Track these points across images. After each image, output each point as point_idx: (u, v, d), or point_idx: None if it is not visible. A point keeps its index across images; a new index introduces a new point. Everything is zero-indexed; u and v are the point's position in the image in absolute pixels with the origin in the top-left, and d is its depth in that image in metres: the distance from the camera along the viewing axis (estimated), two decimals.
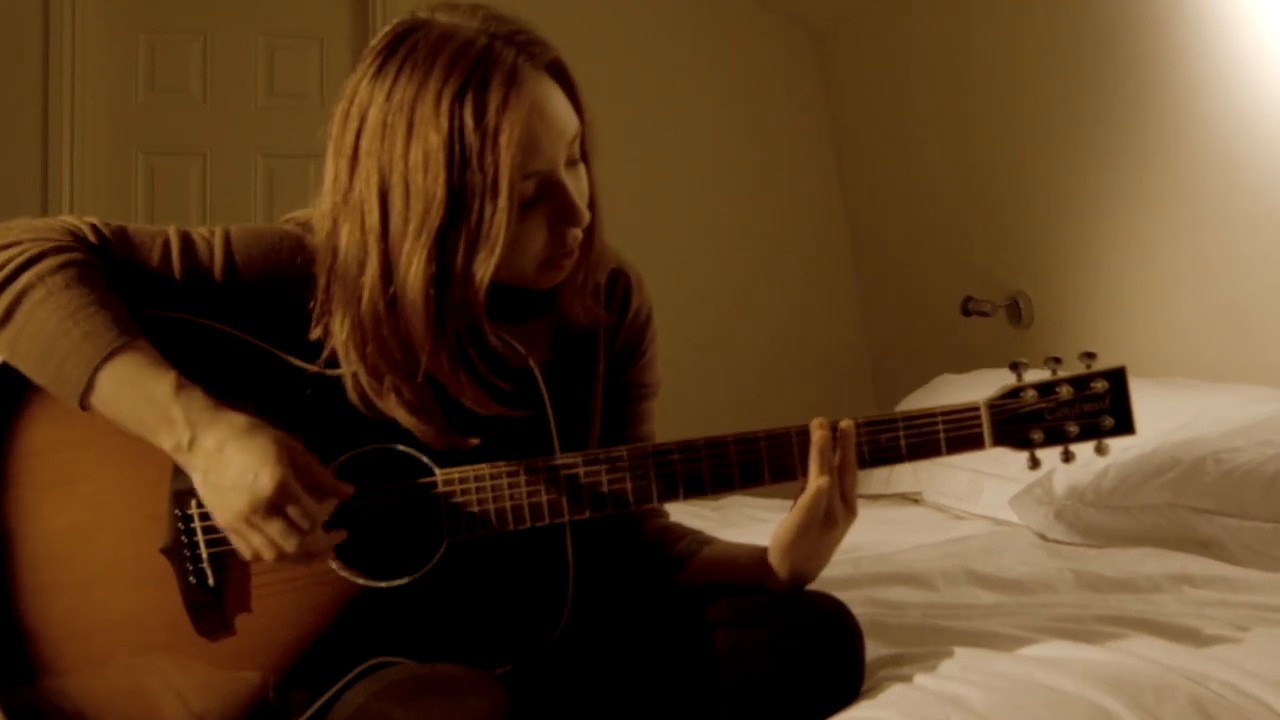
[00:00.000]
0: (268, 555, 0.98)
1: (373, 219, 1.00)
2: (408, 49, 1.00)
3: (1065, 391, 1.12)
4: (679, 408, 1.53)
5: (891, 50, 3.17)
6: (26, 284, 0.99)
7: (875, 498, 2.47)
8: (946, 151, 3.01)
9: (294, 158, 3.09)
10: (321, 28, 3.24)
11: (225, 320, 1.07)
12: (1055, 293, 2.71)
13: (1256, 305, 2.19)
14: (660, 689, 1.06)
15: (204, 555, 1.05)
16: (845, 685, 1.04)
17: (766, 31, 3.45)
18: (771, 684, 1.01)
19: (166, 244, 1.08)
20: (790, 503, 1.12)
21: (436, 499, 1.07)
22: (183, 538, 1.05)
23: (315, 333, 1.06)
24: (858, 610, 1.10)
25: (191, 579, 1.05)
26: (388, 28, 1.04)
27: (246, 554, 0.99)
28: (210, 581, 1.05)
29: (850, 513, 1.11)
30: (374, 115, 1.00)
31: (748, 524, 2.15)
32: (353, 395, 1.05)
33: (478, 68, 0.98)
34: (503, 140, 0.97)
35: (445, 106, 0.97)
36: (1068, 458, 1.14)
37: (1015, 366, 1.13)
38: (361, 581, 1.06)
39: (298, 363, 1.07)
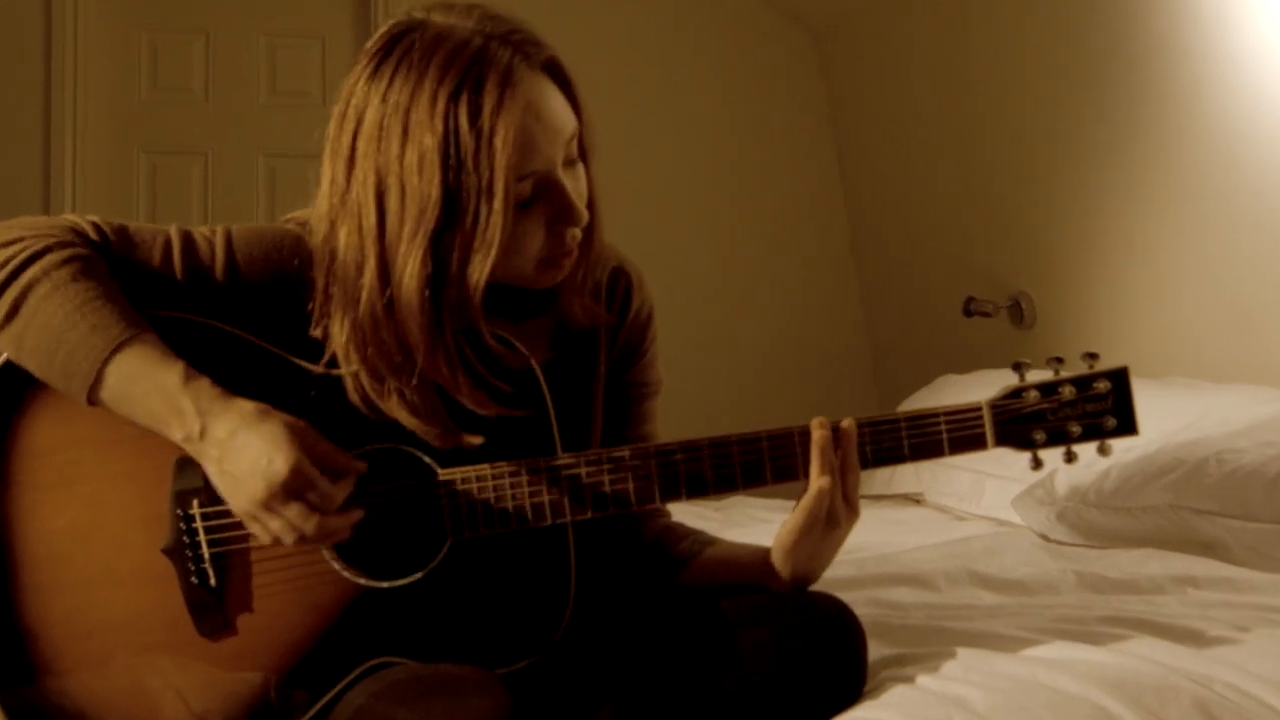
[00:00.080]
0: (288, 539, 0.99)
1: (370, 221, 1.00)
2: (403, 50, 1.00)
3: (1068, 392, 1.12)
4: (680, 408, 1.53)
5: (893, 49, 3.17)
6: (32, 279, 1.00)
7: (877, 498, 2.47)
8: (948, 151, 3.01)
9: (296, 157, 3.09)
10: (323, 27, 3.25)
11: (227, 320, 1.07)
12: (1057, 293, 2.71)
13: (1259, 305, 2.19)
14: (662, 689, 1.06)
15: (206, 555, 1.05)
16: (847, 686, 1.04)
17: (767, 31, 3.45)
18: (774, 684, 1.01)
19: (168, 243, 1.08)
20: (793, 503, 1.11)
21: (439, 499, 1.07)
22: (184, 538, 1.05)
23: (315, 333, 1.06)
24: (860, 611, 1.10)
25: (193, 579, 1.05)
26: (383, 28, 1.03)
27: (266, 539, 1.00)
28: (212, 581, 1.05)
29: (853, 513, 1.11)
30: (370, 117, 1.00)
31: (750, 524, 2.15)
32: (354, 396, 1.05)
33: (472, 68, 0.98)
34: (497, 141, 0.97)
35: (440, 108, 0.97)
36: (1070, 458, 1.13)
37: (1017, 367, 1.13)
38: (363, 581, 1.06)
39: (300, 363, 1.07)
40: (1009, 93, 2.76)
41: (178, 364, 0.99)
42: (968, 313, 2.86)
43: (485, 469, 1.07)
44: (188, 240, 1.08)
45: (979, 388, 2.00)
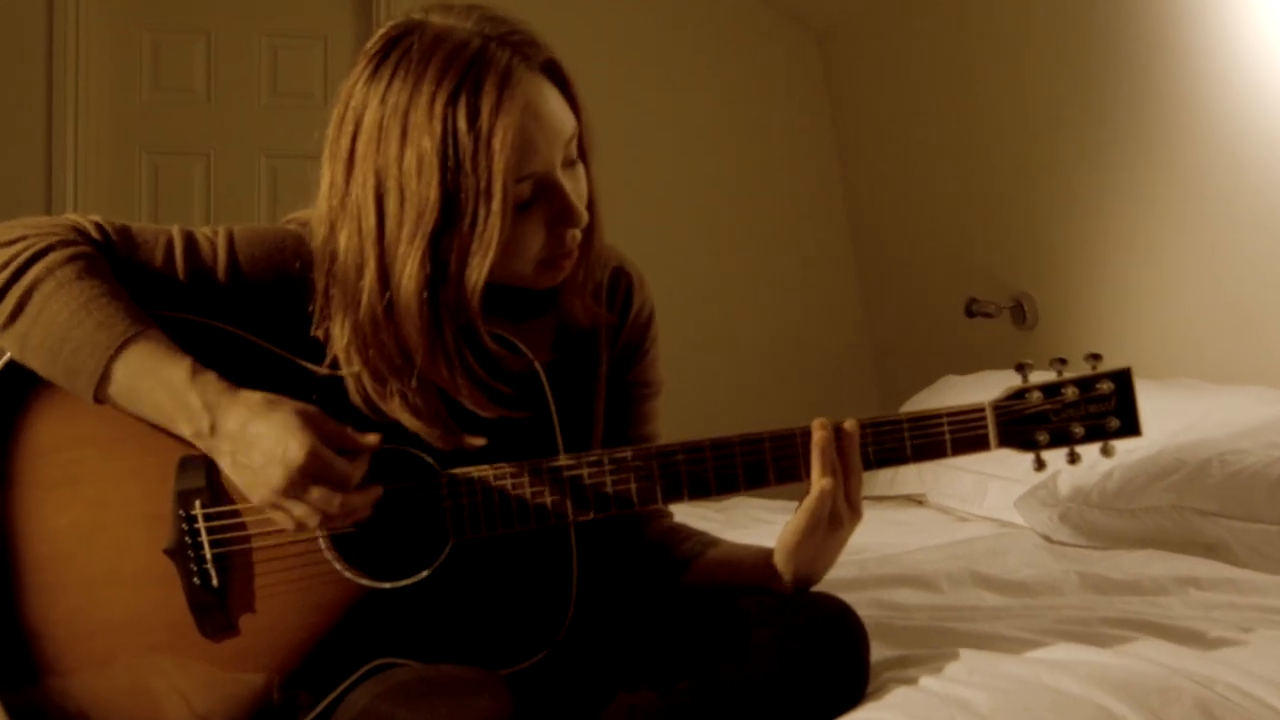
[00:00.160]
0: (312, 523, 0.99)
1: (369, 223, 1.00)
2: (402, 51, 1.00)
3: (1071, 393, 1.12)
4: (681, 409, 1.53)
5: (893, 49, 3.17)
6: (36, 277, 1.00)
7: (880, 499, 2.46)
8: (949, 151, 3.01)
9: (297, 158, 3.06)
10: (325, 27, 3.25)
11: (229, 320, 1.07)
12: (1059, 294, 2.71)
13: (1261, 305, 2.19)
14: (664, 690, 1.06)
15: (208, 556, 1.05)
16: (850, 687, 1.04)
17: (768, 31, 3.45)
18: (776, 686, 1.01)
19: (170, 243, 1.08)
20: (795, 504, 1.11)
21: (442, 499, 1.07)
22: (186, 538, 1.05)
23: (317, 334, 1.06)
24: (863, 612, 1.09)
25: (195, 580, 1.05)
26: (382, 29, 1.03)
27: (290, 526, 1.00)
28: (214, 582, 1.05)
29: (855, 514, 1.11)
30: (369, 119, 1.00)
31: (752, 525, 2.15)
32: (356, 398, 1.05)
33: (471, 70, 0.98)
34: (496, 144, 0.97)
35: (438, 110, 0.97)
36: (1073, 459, 1.13)
37: (1020, 368, 1.13)
38: (366, 582, 1.06)
39: (303, 363, 1.07)
40: (1009, 93, 2.76)
41: (184, 359, 0.99)
42: (969, 313, 2.86)
43: (488, 470, 1.07)
44: (190, 240, 1.08)
45: (982, 389, 2.00)
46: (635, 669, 1.08)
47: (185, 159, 3.18)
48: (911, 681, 1.05)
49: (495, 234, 0.98)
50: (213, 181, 3.19)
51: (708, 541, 1.23)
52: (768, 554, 1.15)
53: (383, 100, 0.99)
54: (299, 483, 0.97)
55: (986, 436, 1.11)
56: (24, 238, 1.02)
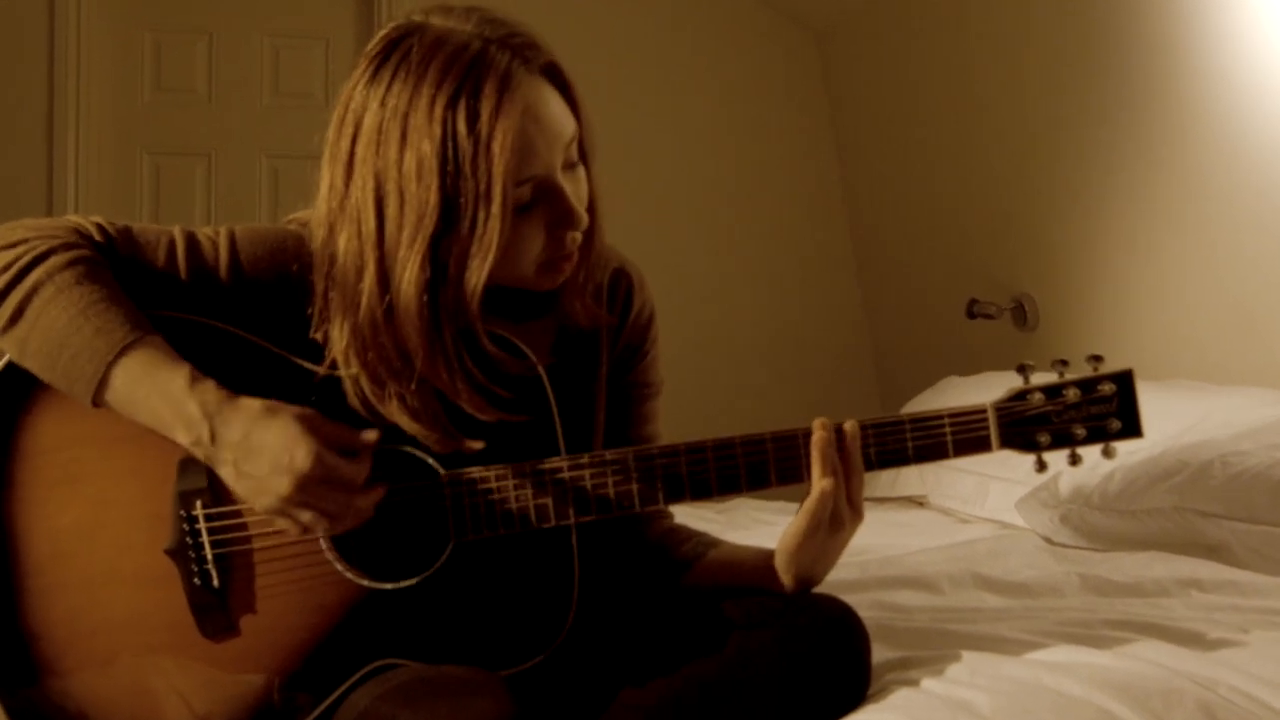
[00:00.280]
0: (320, 528, 1.00)
1: (369, 226, 1.00)
2: (402, 54, 1.00)
3: (1072, 394, 1.11)
4: (681, 409, 1.53)
5: (893, 49, 3.17)
6: (36, 281, 1.00)
7: (881, 500, 2.46)
8: (949, 151, 3.01)
9: (299, 158, 3.08)
10: (326, 28, 3.25)
11: (230, 320, 1.07)
12: (1060, 295, 2.71)
13: (1262, 305, 2.19)
14: (665, 691, 1.06)
15: (209, 556, 1.05)
16: (851, 689, 1.04)
17: (767, 31, 3.45)
18: (777, 687, 1.01)
19: (172, 244, 1.07)
20: (796, 506, 1.11)
21: (443, 500, 1.06)
22: (187, 539, 1.04)
23: (316, 336, 1.06)
24: (864, 613, 1.09)
25: (196, 580, 1.05)
26: (382, 31, 1.03)
27: (298, 532, 1.00)
28: (215, 583, 1.05)
29: (857, 515, 1.11)
30: (369, 122, 1.00)
31: (753, 526, 2.15)
32: (354, 400, 1.05)
33: (471, 73, 0.98)
34: (495, 147, 0.97)
35: (438, 113, 0.97)
36: (1075, 461, 1.13)
37: (1022, 369, 1.13)
38: (367, 583, 1.06)
39: (304, 364, 1.06)
40: (1009, 93, 2.76)
41: (183, 367, 0.99)
42: (971, 314, 2.86)
43: (489, 471, 1.07)
44: (191, 241, 1.08)
45: (983, 390, 2.00)
46: (636, 670, 1.08)
47: (186, 159, 3.18)
48: (913, 683, 1.05)
49: (495, 237, 0.98)
50: (214, 182, 3.19)
51: (708, 543, 1.23)
52: (769, 555, 1.15)
53: (382, 103, 0.99)
54: (307, 489, 0.97)
55: (988, 438, 1.11)
56: (25, 240, 1.02)
